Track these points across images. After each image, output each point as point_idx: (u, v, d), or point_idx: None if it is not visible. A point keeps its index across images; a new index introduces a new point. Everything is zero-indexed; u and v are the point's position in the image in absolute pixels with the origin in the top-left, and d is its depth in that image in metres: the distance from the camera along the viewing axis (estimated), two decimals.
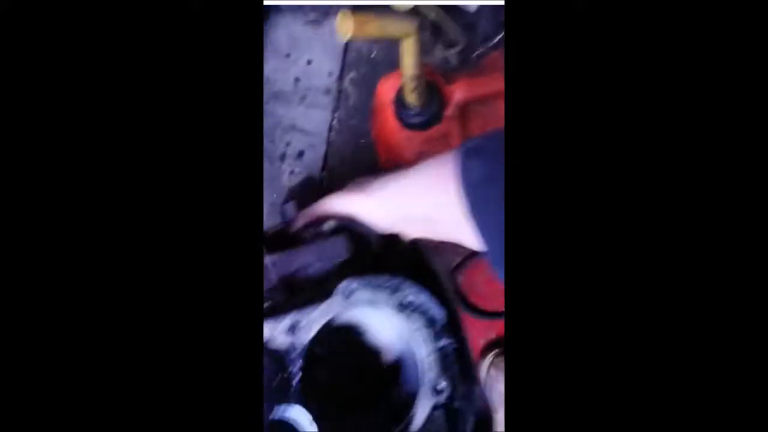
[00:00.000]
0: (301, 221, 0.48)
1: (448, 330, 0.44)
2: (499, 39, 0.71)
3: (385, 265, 0.45)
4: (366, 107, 0.72)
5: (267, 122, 0.72)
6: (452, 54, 0.71)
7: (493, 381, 0.67)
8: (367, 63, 0.74)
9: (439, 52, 0.71)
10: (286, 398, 0.39)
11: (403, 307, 0.43)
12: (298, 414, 0.39)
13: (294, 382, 0.40)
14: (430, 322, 0.43)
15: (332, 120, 0.73)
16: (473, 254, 0.66)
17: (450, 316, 0.44)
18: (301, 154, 0.73)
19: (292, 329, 0.40)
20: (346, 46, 0.74)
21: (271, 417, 0.39)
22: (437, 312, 0.43)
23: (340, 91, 0.74)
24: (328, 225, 0.46)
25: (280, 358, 0.40)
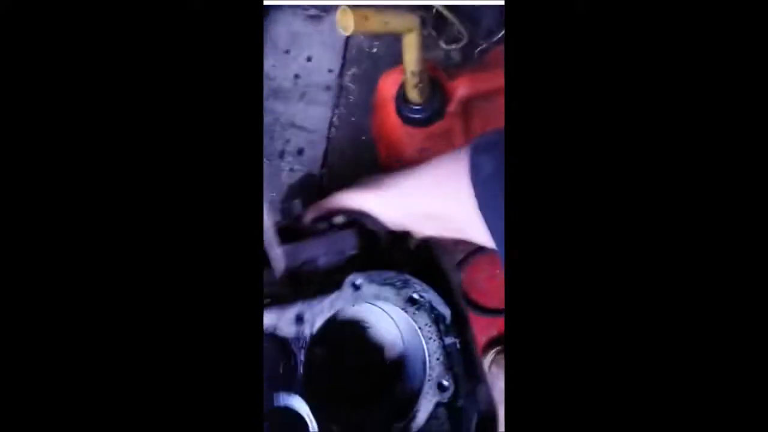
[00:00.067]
0: (311, 215, 0.48)
1: (454, 328, 0.44)
2: (503, 35, 0.71)
3: (393, 261, 0.45)
4: (367, 104, 0.72)
5: (266, 119, 0.72)
6: (455, 49, 0.70)
7: (494, 378, 0.67)
8: (368, 59, 0.74)
9: (441, 48, 0.70)
10: (289, 387, 0.40)
11: (410, 304, 0.43)
12: (298, 403, 0.40)
13: (298, 372, 0.40)
14: (436, 320, 0.43)
15: (332, 117, 0.73)
16: (475, 251, 0.66)
17: (456, 314, 0.44)
18: (300, 151, 0.72)
19: (299, 319, 0.41)
20: (347, 42, 0.73)
21: (274, 404, 0.39)
22: (443, 310, 0.43)
23: (340, 88, 0.73)
24: (339, 219, 0.46)
25: (286, 346, 0.40)
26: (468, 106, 0.65)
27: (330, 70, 0.73)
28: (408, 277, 0.43)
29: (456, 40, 0.71)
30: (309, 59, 0.73)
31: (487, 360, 0.68)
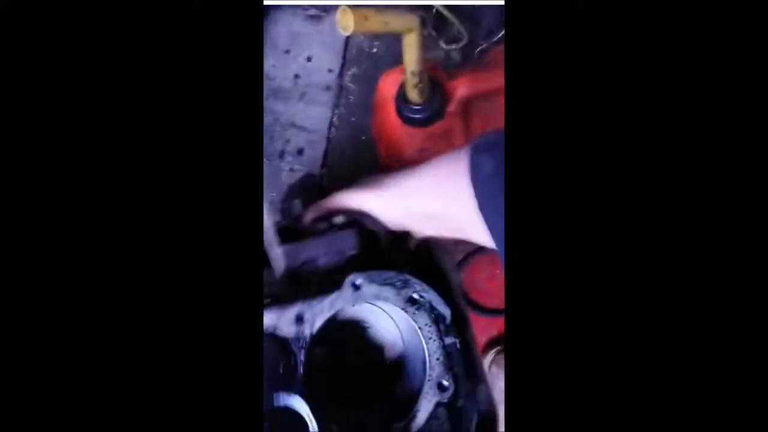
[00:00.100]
0: (311, 214, 0.48)
1: (454, 328, 0.44)
2: (503, 34, 0.71)
3: (393, 261, 0.45)
4: (367, 104, 0.72)
5: (266, 119, 0.72)
6: (455, 49, 0.70)
7: (494, 378, 0.67)
8: (368, 59, 0.74)
9: (441, 48, 0.70)
10: (289, 387, 0.40)
11: (410, 304, 0.43)
12: (298, 403, 0.40)
13: (298, 372, 0.40)
14: (436, 320, 0.43)
15: (332, 117, 0.73)
16: (475, 251, 0.66)
17: (456, 314, 0.44)
18: (300, 151, 0.72)
19: (299, 319, 0.41)
20: (347, 42, 0.73)
21: (274, 404, 0.39)
22: (444, 310, 0.43)
23: (340, 88, 0.73)
24: (339, 219, 0.46)
25: (286, 346, 0.40)
26: (468, 106, 0.65)
27: (330, 70, 0.73)
28: (408, 277, 0.43)
29: (456, 40, 0.71)
30: (309, 59, 0.73)
31: (487, 360, 0.68)
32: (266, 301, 0.41)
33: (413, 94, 0.61)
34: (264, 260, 0.42)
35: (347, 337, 0.47)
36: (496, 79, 0.65)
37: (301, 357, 0.40)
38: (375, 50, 0.74)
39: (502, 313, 0.69)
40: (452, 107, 0.64)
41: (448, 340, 0.43)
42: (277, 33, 0.73)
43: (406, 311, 0.43)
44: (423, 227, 0.46)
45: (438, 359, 0.43)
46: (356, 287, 0.42)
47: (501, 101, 0.66)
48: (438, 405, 0.43)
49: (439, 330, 0.43)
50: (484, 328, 0.68)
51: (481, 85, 0.65)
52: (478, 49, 0.72)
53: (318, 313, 0.41)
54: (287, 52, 0.73)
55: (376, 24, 0.51)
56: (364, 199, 0.46)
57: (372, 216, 0.46)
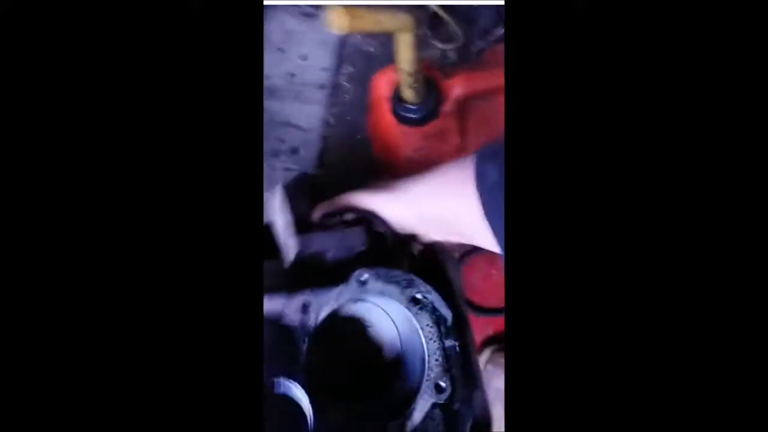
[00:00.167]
0: (322, 210, 0.49)
1: (454, 331, 0.44)
2: (499, 34, 0.71)
3: (398, 262, 0.45)
4: (362, 102, 0.72)
5: None
6: (450, 49, 0.70)
7: (490, 377, 0.67)
8: (363, 57, 0.73)
9: (437, 47, 0.70)
10: (291, 373, 0.40)
11: (413, 303, 0.43)
12: (298, 391, 0.40)
13: (300, 360, 0.40)
14: (438, 321, 0.44)
15: (327, 115, 0.72)
16: (471, 251, 0.66)
17: (457, 317, 0.44)
18: (295, 150, 0.72)
19: (304, 309, 0.41)
20: (342, 41, 0.73)
21: (274, 391, 0.39)
22: (445, 312, 0.44)
23: (335, 87, 0.73)
24: (349, 216, 0.47)
25: (290, 333, 0.41)
26: (463, 105, 0.65)
27: (325, 69, 0.73)
28: (413, 277, 0.44)
29: (451, 40, 0.71)
30: (303, 58, 0.73)
31: (482, 359, 0.68)
32: (273, 289, 0.41)
33: (408, 94, 0.61)
34: (264, 255, 0.43)
35: (348, 334, 0.47)
36: (491, 79, 0.65)
37: (305, 343, 0.41)
38: (371, 49, 0.74)
39: (498, 312, 0.69)
40: (447, 107, 0.64)
41: (448, 343, 0.43)
42: (272, 31, 0.73)
43: (408, 310, 0.43)
44: (430, 231, 0.47)
45: (437, 360, 0.43)
46: (362, 282, 0.43)
47: (496, 100, 0.66)
48: (434, 406, 0.43)
49: (439, 332, 0.44)
50: (481, 328, 0.68)
51: (476, 85, 0.65)
52: (474, 48, 0.72)
53: (324, 303, 0.42)
54: (281, 50, 0.73)
55: (370, 23, 0.51)
56: (374, 199, 0.47)
57: (380, 217, 0.47)
